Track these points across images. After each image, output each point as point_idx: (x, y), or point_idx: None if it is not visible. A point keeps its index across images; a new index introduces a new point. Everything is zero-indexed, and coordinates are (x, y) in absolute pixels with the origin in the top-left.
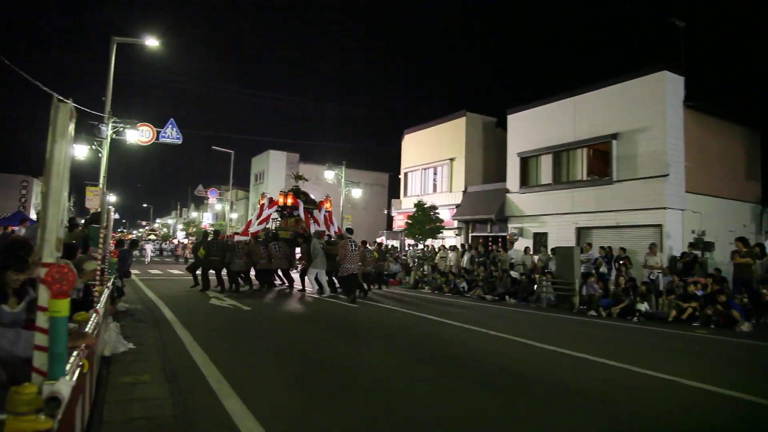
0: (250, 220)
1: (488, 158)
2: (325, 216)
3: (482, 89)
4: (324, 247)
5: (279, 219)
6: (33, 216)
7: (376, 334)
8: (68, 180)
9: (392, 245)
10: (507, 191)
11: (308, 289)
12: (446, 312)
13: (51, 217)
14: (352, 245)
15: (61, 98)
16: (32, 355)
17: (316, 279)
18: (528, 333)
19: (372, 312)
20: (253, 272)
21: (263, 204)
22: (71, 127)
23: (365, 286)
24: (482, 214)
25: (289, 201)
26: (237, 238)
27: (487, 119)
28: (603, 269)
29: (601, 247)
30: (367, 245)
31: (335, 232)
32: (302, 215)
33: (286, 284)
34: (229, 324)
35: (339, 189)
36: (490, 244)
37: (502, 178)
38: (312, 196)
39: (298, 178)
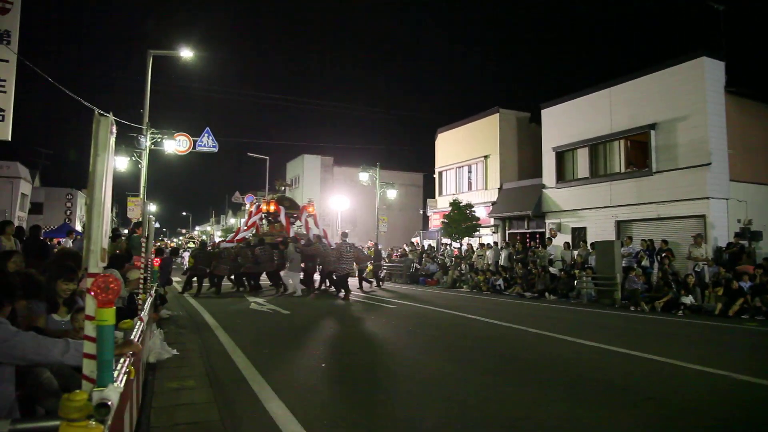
0: (239, 228)
1: (523, 154)
2: (306, 220)
3: (515, 85)
4: (301, 250)
5: (266, 225)
6: (78, 228)
7: (421, 336)
8: (111, 191)
9: (429, 245)
10: (543, 187)
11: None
12: (489, 311)
13: (95, 228)
14: (347, 247)
15: (102, 112)
16: (82, 363)
17: (281, 278)
18: (578, 331)
19: (413, 312)
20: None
21: (251, 211)
22: (112, 140)
23: (376, 282)
24: (518, 211)
25: (272, 208)
26: (223, 245)
27: (520, 115)
28: (645, 263)
29: (643, 240)
30: (363, 246)
31: (315, 236)
32: (284, 221)
33: (282, 288)
34: (268, 328)
35: (374, 190)
36: (527, 240)
37: (538, 173)
38: (297, 202)
39: (282, 185)
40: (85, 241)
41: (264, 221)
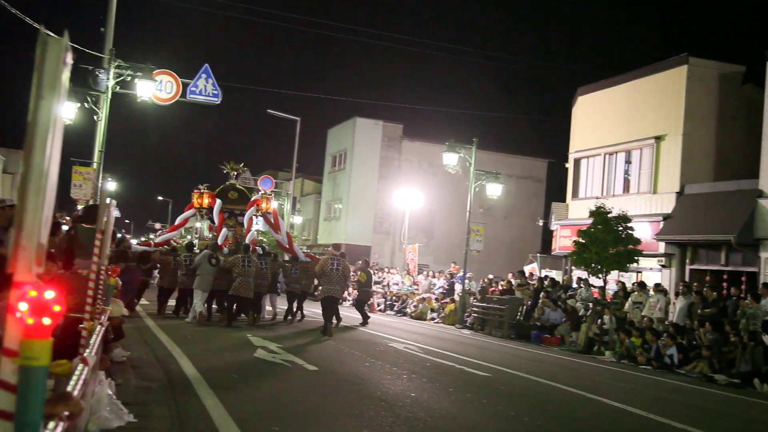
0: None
1: (726, 136)
2: (268, 218)
3: (718, 20)
4: (219, 264)
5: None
6: None
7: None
8: (59, 155)
9: (551, 278)
10: (761, 195)
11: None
12: (662, 404)
13: (31, 211)
14: (333, 263)
15: (49, 33)
16: None
17: (184, 300)
18: None
19: (522, 389)
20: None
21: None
22: (65, 75)
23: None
24: (711, 234)
25: (206, 201)
26: (136, 247)
27: (727, 68)
28: None
29: None
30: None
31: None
32: (216, 218)
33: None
34: (282, 390)
35: (466, 183)
36: (724, 285)
37: (753, 171)
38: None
39: (233, 168)
40: (13, 232)
41: (207, 219)
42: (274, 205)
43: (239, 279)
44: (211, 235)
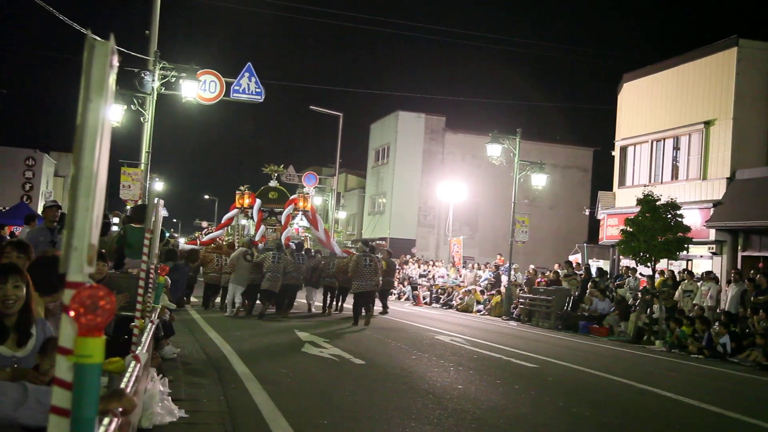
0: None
1: None
2: (307, 216)
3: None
4: (253, 260)
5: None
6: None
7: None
8: (107, 158)
9: (598, 268)
10: None
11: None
12: (719, 393)
13: (81, 213)
14: (366, 259)
15: (96, 37)
16: (45, 424)
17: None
18: None
19: (571, 380)
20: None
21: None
22: (112, 78)
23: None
24: (765, 219)
25: (247, 201)
26: (184, 246)
27: None
28: None
29: None
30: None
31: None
32: (255, 216)
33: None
34: (330, 384)
35: (510, 174)
36: None
37: None
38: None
39: (273, 170)
40: (65, 233)
41: (249, 217)
42: (317, 202)
43: (268, 274)
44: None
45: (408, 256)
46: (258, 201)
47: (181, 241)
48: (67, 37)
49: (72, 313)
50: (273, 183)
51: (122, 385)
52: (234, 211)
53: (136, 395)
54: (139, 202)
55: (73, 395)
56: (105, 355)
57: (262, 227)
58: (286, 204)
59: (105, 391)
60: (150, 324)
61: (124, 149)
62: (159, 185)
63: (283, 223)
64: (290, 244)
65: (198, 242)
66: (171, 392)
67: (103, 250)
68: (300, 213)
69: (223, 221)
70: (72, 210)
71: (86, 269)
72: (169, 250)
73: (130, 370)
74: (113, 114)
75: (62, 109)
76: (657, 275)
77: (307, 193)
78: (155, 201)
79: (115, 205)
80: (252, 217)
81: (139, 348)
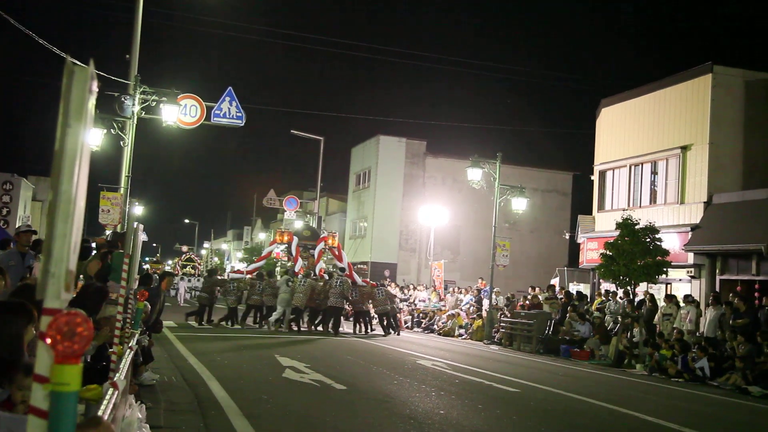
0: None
1: (753, 144)
2: (333, 251)
3: (742, 27)
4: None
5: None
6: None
7: None
8: (86, 182)
9: (578, 292)
10: None
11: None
12: (700, 419)
13: (59, 238)
14: (380, 292)
15: (75, 62)
16: None
17: (265, 315)
18: None
19: (552, 402)
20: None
21: (274, 241)
22: (91, 103)
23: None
24: (741, 243)
25: (285, 238)
26: (231, 275)
27: (753, 76)
28: None
29: None
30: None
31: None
32: (293, 251)
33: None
34: (312, 410)
35: (491, 198)
36: (756, 295)
37: None
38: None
39: (308, 212)
40: (42, 259)
41: (285, 251)
42: (297, 225)
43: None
44: (289, 264)
45: (385, 280)
46: (295, 238)
47: (227, 269)
48: (47, 60)
49: (48, 341)
50: (306, 221)
51: (99, 413)
52: (273, 246)
53: (114, 423)
54: (119, 227)
55: (48, 424)
56: (82, 382)
57: (300, 260)
58: (318, 241)
59: (82, 419)
60: (129, 350)
61: (103, 173)
62: (139, 209)
63: (315, 257)
64: (324, 275)
65: (244, 272)
66: (149, 420)
67: (81, 275)
68: (327, 248)
69: (263, 254)
70: (50, 235)
71: (64, 295)
72: (144, 275)
73: (107, 397)
74: (92, 138)
75: (41, 133)
76: (640, 297)
77: (334, 233)
78: (134, 225)
79: (94, 230)
80: (291, 252)
81: (117, 374)
